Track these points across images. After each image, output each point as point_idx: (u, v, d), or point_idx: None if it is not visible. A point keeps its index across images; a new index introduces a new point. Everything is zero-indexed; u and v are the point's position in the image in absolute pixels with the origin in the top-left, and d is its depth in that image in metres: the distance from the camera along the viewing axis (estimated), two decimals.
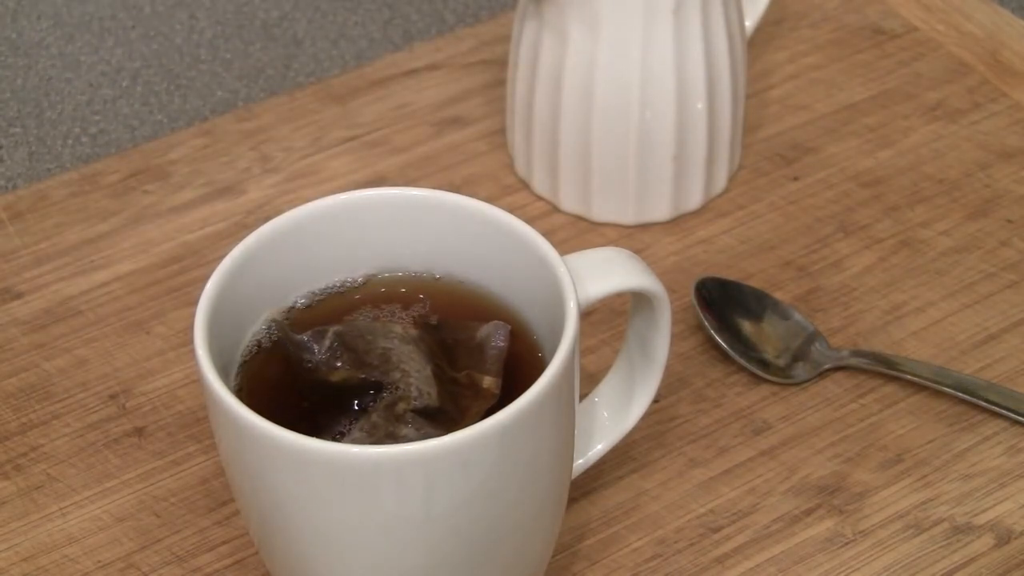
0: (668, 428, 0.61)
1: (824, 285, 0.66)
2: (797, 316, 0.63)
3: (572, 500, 0.56)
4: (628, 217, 0.69)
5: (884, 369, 0.61)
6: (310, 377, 0.51)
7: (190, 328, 0.49)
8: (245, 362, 0.52)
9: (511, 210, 0.53)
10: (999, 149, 0.72)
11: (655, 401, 0.56)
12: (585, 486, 0.59)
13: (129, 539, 0.58)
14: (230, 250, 0.52)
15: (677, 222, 0.69)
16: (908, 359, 0.61)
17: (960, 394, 0.60)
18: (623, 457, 0.59)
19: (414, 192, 0.54)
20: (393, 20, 0.82)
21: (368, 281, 0.54)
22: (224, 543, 0.58)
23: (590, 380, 0.57)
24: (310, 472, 0.46)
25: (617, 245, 0.54)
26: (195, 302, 0.50)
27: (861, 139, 0.72)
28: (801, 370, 0.62)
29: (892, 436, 0.60)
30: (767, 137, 0.73)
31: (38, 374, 0.64)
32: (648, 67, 0.65)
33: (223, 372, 0.49)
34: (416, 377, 0.50)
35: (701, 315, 0.62)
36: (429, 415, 0.49)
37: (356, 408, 0.50)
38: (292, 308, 0.53)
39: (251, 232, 0.52)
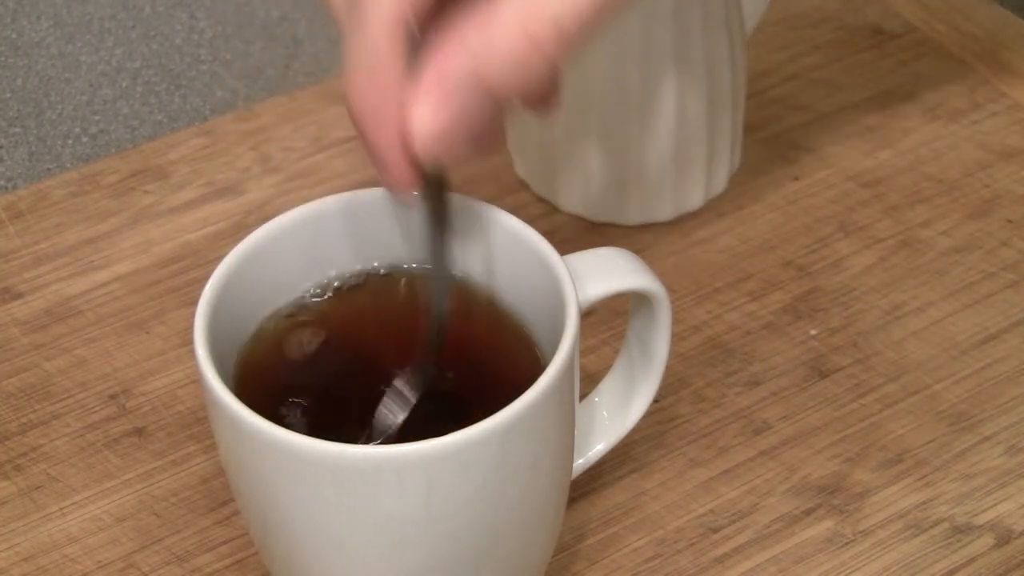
0: (668, 428, 0.61)
1: (824, 285, 0.66)
2: None
3: (572, 500, 0.56)
4: (628, 217, 0.69)
5: None
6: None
7: (190, 328, 0.49)
8: (245, 361, 0.52)
9: (511, 210, 0.53)
10: (999, 149, 0.72)
11: (655, 401, 0.56)
12: (585, 486, 0.59)
13: (129, 539, 0.58)
14: (230, 250, 0.52)
15: (677, 222, 0.69)
16: None
17: None
18: (623, 457, 0.59)
19: (414, 192, 0.54)
20: None
21: (371, 283, 0.54)
22: (224, 543, 0.58)
23: (590, 380, 0.57)
24: (310, 472, 0.46)
25: (617, 245, 0.54)
26: (195, 302, 0.50)
27: (861, 139, 0.72)
28: None
29: (892, 436, 0.60)
30: (767, 137, 0.73)
31: (38, 374, 0.64)
32: (648, 67, 0.65)
33: (223, 372, 0.49)
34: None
35: None
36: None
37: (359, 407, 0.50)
38: (293, 306, 0.53)
39: (251, 232, 0.52)
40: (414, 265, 0.54)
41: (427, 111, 0.45)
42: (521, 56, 0.45)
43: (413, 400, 0.50)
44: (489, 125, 0.46)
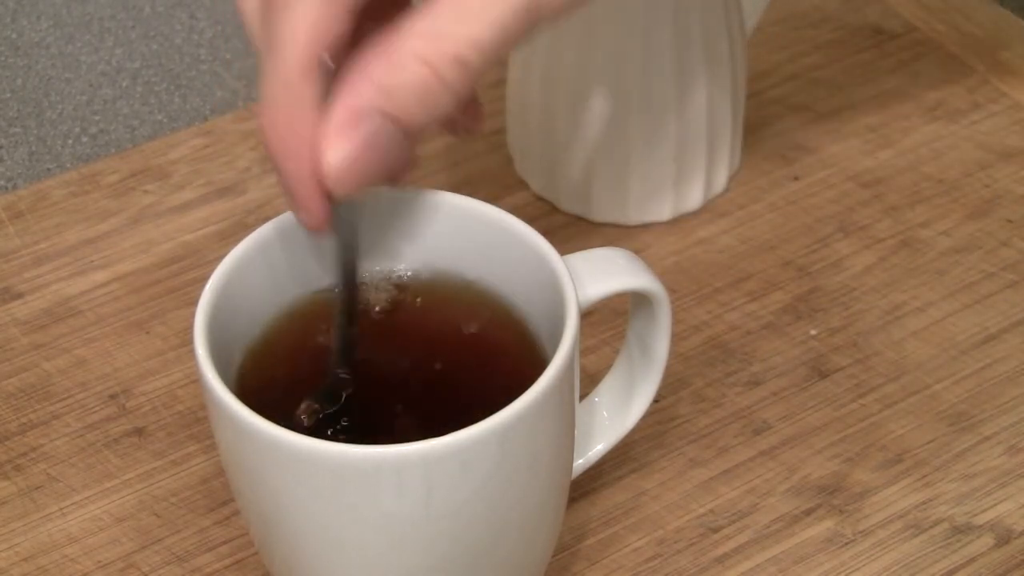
0: (668, 428, 0.61)
1: (824, 285, 0.66)
2: None
3: (572, 500, 0.56)
4: (628, 217, 0.69)
5: None
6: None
7: (190, 328, 0.49)
8: (245, 362, 0.52)
9: (511, 210, 0.53)
10: (999, 149, 0.72)
11: (655, 401, 0.56)
12: (585, 486, 0.59)
13: (129, 539, 0.58)
14: (230, 250, 0.52)
15: (677, 222, 0.69)
16: None
17: None
18: (623, 457, 0.59)
19: (414, 192, 0.54)
20: None
21: (368, 281, 0.54)
22: (224, 543, 0.58)
23: (590, 380, 0.57)
24: (310, 472, 0.46)
25: (617, 245, 0.54)
26: (195, 302, 0.50)
27: (861, 139, 0.72)
28: None
29: (892, 436, 0.60)
30: (767, 137, 0.73)
31: (38, 374, 0.64)
32: (648, 67, 0.65)
33: (223, 372, 0.49)
34: None
35: None
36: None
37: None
38: (298, 306, 0.53)
39: (251, 232, 0.52)
40: (414, 265, 0.54)
41: (336, 145, 0.45)
42: (424, 87, 0.45)
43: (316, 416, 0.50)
44: (399, 155, 0.46)
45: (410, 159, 0.48)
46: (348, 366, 0.50)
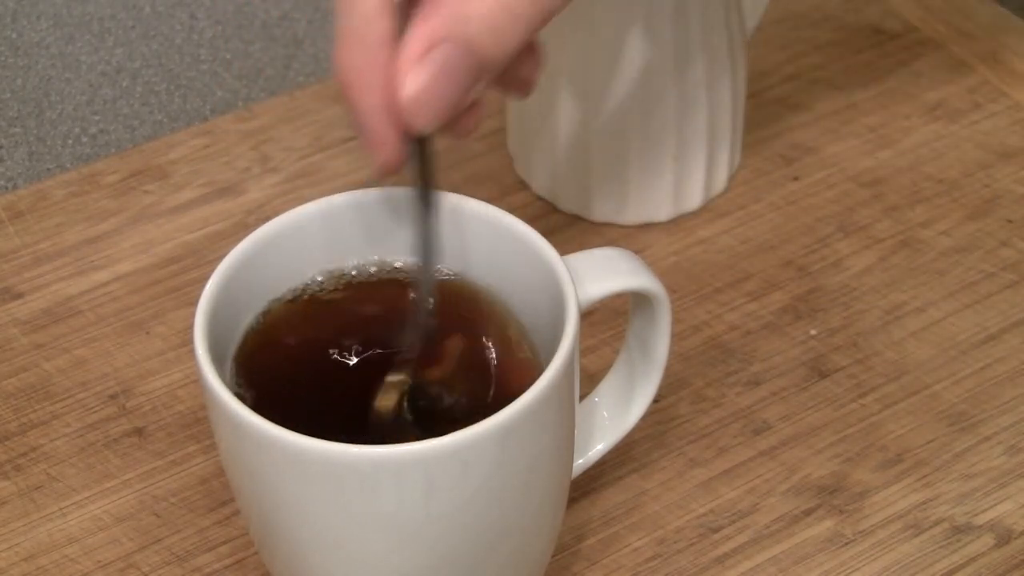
0: (668, 428, 0.61)
1: (824, 285, 0.66)
2: None
3: (572, 500, 0.56)
4: (628, 217, 0.69)
5: None
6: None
7: (190, 328, 0.49)
8: (245, 361, 0.52)
9: (511, 210, 0.53)
10: (999, 149, 0.72)
11: (655, 401, 0.56)
12: (585, 486, 0.59)
13: (129, 539, 0.58)
14: (230, 250, 0.52)
15: (677, 222, 0.69)
16: None
17: None
18: (623, 457, 0.59)
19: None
20: None
21: (368, 281, 0.54)
22: (224, 543, 0.58)
23: (590, 380, 0.57)
24: (310, 472, 0.46)
25: (617, 245, 0.54)
26: (195, 302, 0.50)
27: (861, 139, 0.72)
28: None
29: (892, 436, 0.60)
30: (767, 137, 0.73)
31: (38, 374, 0.64)
32: (648, 67, 0.65)
33: (223, 372, 0.49)
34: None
35: None
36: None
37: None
38: (295, 303, 0.53)
39: (251, 232, 0.52)
40: (414, 265, 0.54)
41: (411, 74, 0.46)
42: (497, 20, 0.46)
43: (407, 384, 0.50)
44: (470, 89, 0.47)
45: (479, 108, 0.49)
46: (430, 294, 0.50)
